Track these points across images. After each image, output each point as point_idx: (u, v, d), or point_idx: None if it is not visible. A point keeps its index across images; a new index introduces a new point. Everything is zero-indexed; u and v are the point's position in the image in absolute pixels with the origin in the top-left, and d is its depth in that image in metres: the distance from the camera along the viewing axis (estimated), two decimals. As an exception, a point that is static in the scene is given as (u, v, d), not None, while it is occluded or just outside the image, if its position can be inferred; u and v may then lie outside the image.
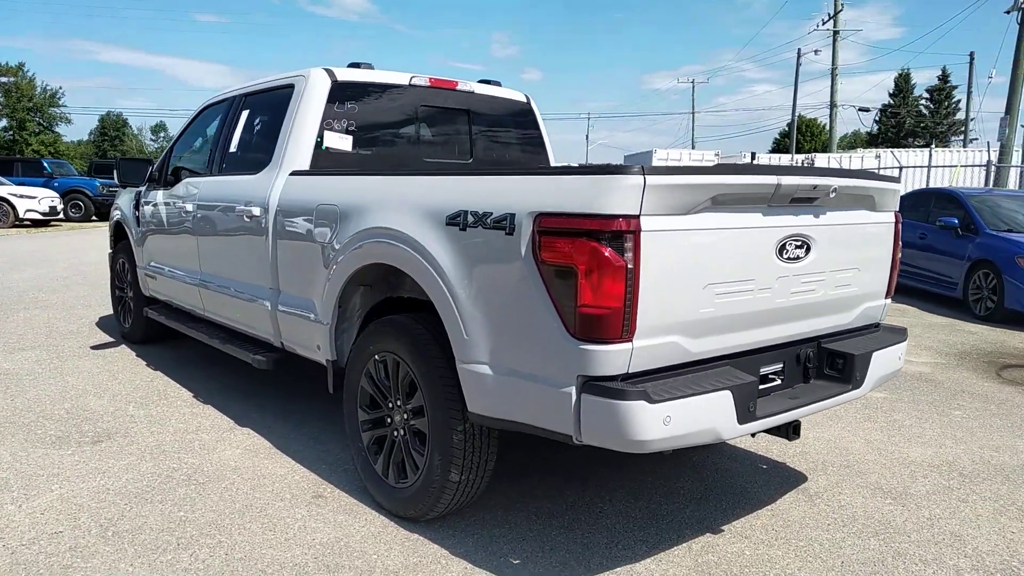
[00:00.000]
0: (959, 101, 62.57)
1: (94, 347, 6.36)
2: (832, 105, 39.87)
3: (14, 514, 3.30)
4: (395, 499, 3.32)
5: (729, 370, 2.78)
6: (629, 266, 2.41)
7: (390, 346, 3.29)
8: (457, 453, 3.01)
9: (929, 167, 18.30)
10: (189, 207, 4.96)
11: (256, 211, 4.16)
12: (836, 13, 40.69)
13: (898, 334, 3.60)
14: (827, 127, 56.24)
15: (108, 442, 4.17)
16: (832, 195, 3.03)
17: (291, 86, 4.31)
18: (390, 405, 3.38)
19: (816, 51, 41.02)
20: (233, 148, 4.78)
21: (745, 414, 2.68)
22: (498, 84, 5.06)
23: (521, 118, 5.09)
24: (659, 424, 2.44)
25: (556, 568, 2.96)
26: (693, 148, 63.27)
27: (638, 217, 2.42)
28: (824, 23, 41.80)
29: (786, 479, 3.93)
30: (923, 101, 63.16)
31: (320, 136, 4.15)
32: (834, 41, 40.45)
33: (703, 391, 2.55)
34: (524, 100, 5.10)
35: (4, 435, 4.25)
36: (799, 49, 40.78)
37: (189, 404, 4.88)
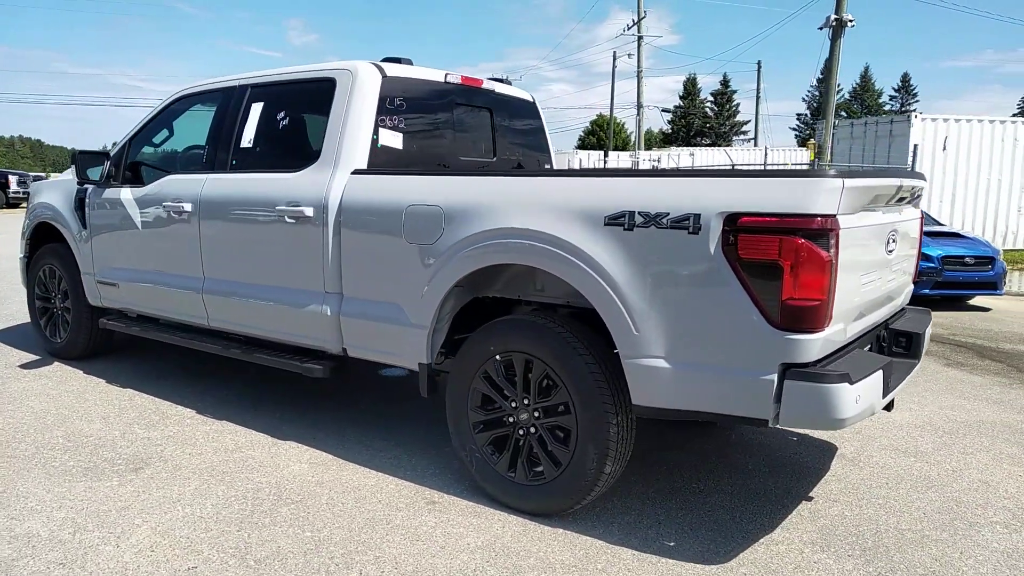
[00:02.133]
0: (739, 105, 69.48)
1: (24, 366, 5.61)
2: (639, 106, 42.69)
3: (121, 555, 2.96)
4: (528, 497, 3.35)
5: (866, 352, 3.12)
6: (832, 261, 2.66)
7: (521, 346, 3.31)
8: (612, 446, 3.12)
9: (765, 165, 20.28)
10: (187, 207, 4.55)
11: (308, 211, 3.95)
12: (640, 19, 43.59)
13: (925, 313, 4.15)
14: (625, 126, 60.59)
15: (150, 468, 3.79)
16: (914, 194, 3.47)
17: (330, 80, 4.12)
18: (513, 404, 3.40)
19: (629, 55, 43.70)
20: (247, 143, 4.46)
21: (886, 390, 3.03)
22: (509, 83, 5.12)
23: (529, 116, 5.18)
24: (853, 403, 2.72)
25: (708, 544, 3.16)
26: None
27: (836, 216, 2.67)
28: (628, 28, 44.76)
29: (820, 447, 4.37)
30: (708, 104, 69.30)
31: (376, 133, 4.02)
32: (639, 46, 43.32)
33: (872, 370, 2.87)
34: (531, 99, 5.19)
35: (16, 470, 3.72)
36: (615, 52, 43.24)
37: (202, 421, 4.50)
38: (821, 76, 18.13)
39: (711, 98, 69.21)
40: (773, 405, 2.74)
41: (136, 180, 5.14)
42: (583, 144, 61.06)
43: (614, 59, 42.79)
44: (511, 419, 3.42)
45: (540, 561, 2.98)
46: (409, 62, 4.33)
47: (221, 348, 4.57)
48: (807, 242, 2.63)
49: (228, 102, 4.61)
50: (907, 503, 3.63)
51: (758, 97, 48.64)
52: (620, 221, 2.98)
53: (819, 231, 2.64)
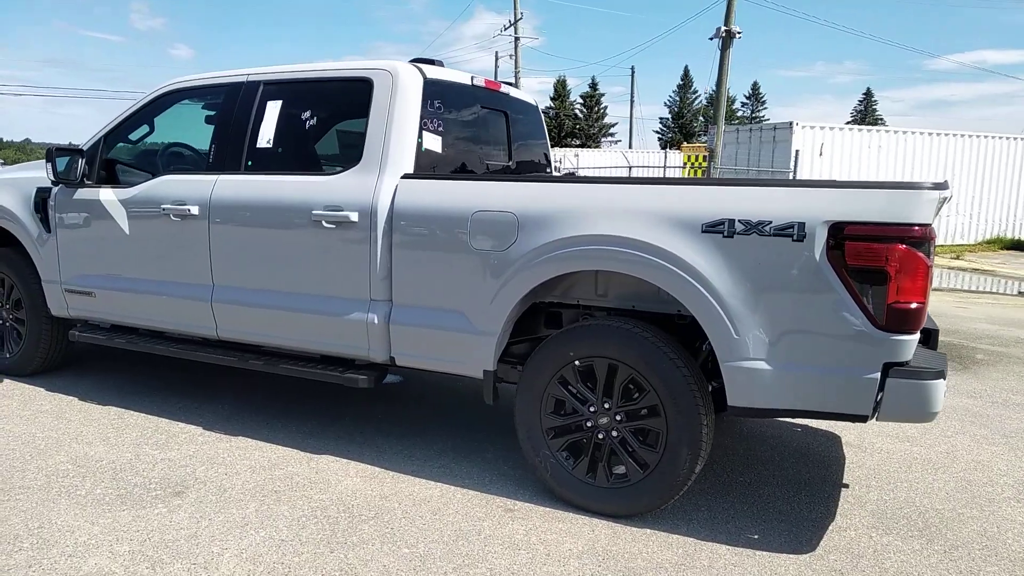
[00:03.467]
0: (607, 108, 71.95)
1: (-30, 385, 5.04)
2: None
3: (220, 586, 2.76)
4: (609, 499, 3.40)
5: (923, 349, 3.39)
6: (930, 266, 2.89)
7: (605, 351, 3.35)
8: (703, 446, 3.23)
9: (664, 167, 21.12)
10: (193, 210, 4.25)
11: (352, 216, 3.80)
12: (516, 21, 44.31)
13: None
14: None
15: (193, 491, 3.53)
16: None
17: (365, 80, 3.98)
18: (592, 409, 3.44)
19: (510, 55, 44.16)
20: (264, 144, 4.21)
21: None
22: (515, 86, 5.12)
23: (533, 120, 5.20)
24: (943, 397, 2.96)
25: (787, 535, 3.33)
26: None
27: (931, 225, 2.90)
28: (505, 29, 45.39)
29: (826, 436, 4.68)
30: (578, 105, 71.36)
31: (420, 136, 3.92)
32: (516, 47, 44.03)
33: (946, 366, 3.13)
34: (534, 103, 5.21)
35: (38, 502, 3.36)
36: (496, 52, 43.61)
37: (217, 439, 4.22)
38: (714, 88, 19.12)
39: (580, 100, 71.25)
40: (875, 402, 2.94)
41: (111, 180, 4.75)
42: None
43: (496, 60, 43.07)
44: (589, 423, 3.45)
45: (649, 562, 3.04)
46: (440, 64, 4.25)
47: (236, 360, 4.30)
48: (911, 249, 2.84)
49: (235, 99, 4.34)
50: (928, 485, 3.96)
51: (632, 100, 50.61)
52: (719, 228, 3.08)
53: (920, 239, 2.86)
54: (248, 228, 4.15)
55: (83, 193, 4.70)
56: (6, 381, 5.14)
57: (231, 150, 4.29)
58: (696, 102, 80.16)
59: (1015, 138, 20.91)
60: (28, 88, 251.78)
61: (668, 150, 41.15)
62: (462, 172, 4.25)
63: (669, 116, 74.70)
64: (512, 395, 3.67)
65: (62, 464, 3.79)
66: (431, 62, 4.18)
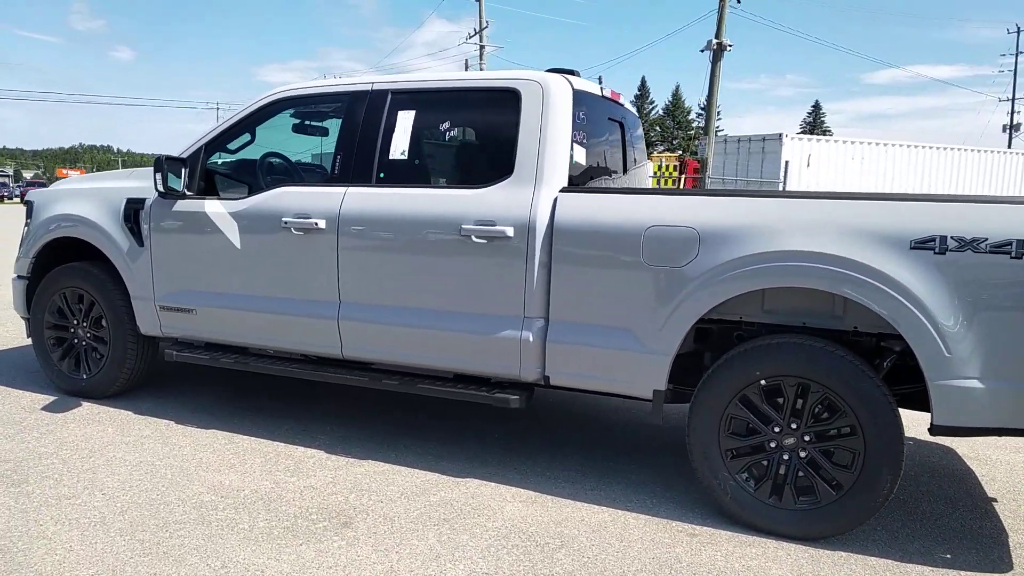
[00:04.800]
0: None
1: (48, 409, 4.73)
2: None
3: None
4: (796, 522, 3.33)
5: None
6: None
7: (795, 370, 3.28)
8: (902, 466, 3.18)
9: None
10: (320, 223, 4.06)
11: (508, 231, 3.67)
12: (481, 29, 44.49)
13: None
14: None
15: (362, 522, 3.35)
16: None
17: (512, 91, 3.86)
18: (776, 429, 3.36)
19: (481, 63, 44.24)
20: (398, 155, 4.05)
21: None
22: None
23: (639, 130, 5.12)
24: None
25: (976, 552, 3.30)
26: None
27: None
28: (470, 37, 45.54)
29: (940, 449, 4.69)
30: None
31: (571, 148, 3.82)
32: (481, 55, 44.21)
33: None
34: (636, 113, 5.14)
35: (204, 537, 3.14)
36: (467, 60, 43.51)
37: (347, 463, 4.02)
38: (705, 100, 19.35)
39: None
40: (1096, 418, 2.93)
41: (211, 191, 4.53)
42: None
43: (467, 67, 43.02)
44: (773, 444, 3.38)
45: (866, 587, 2.98)
46: (577, 74, 4.15)
47: (368, 380, 4.12)
48: None
49: (360, 108, 4.17)
50: (1012, 490, 3.99)
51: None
52: (930, 245, 3.04)
53: None
54: (383, 242, 3.99)
55: (185, 205, 4.46)
56: (85, 404, 4.84)
57: (359, 161, 4.11)
58: (653, 112, 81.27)
59: (987, 151, 21.65)
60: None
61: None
62: (666, 188, 4.15)
63: (630, 125, 75.32)
64: (631, 414, 3.57)
65: (203, 495, 3.56)
66: (571, 72, 4.08)
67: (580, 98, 3.97)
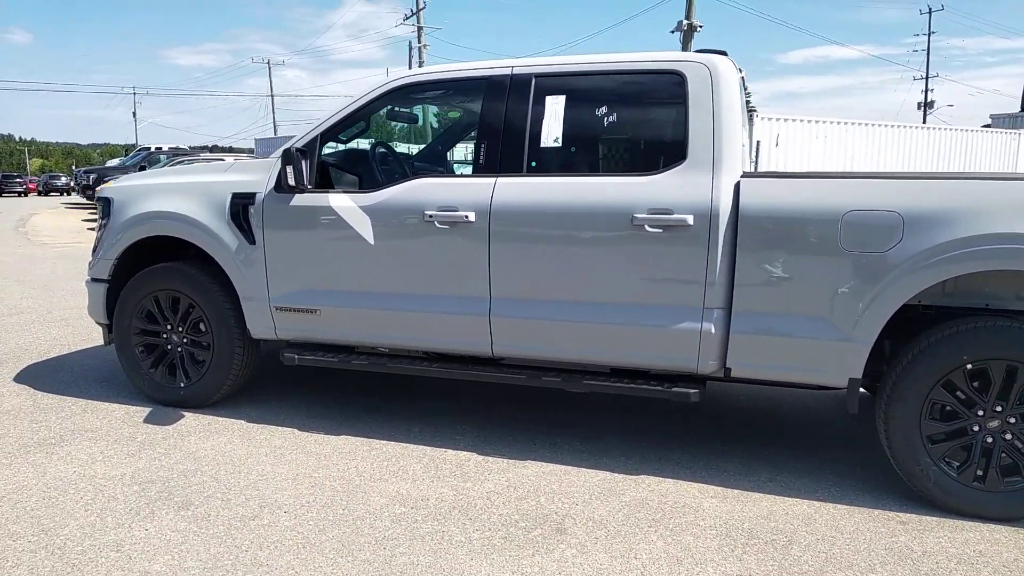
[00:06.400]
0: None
1: (150, 421, 4.40)
2: None
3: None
4: (1004, 505, 3.34)
5: None
6: None
7: (1006, 352, 3.28)
8: None
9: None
10: (469, 216, 3.86)
11: (688, 219, 3.56)
12: (419, 9, 43.93)
13: None
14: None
15: (574, 528, 3.21)
16: None
17: (675, 73, 3.74)
18: (980, 413, 3.36)
19: (420, 44, 43.54)
20: (552, 142, 3.88)
21: None
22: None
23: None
24: None
25: None
26: (275, 134, 62.11)
27: None
28: (407, 18, 44.94)
29: None
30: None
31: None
32: (419, 36, 43.64)
33: None
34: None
35: (420, 552, 2.95)
36: (410, 42, 42.78)
37: (508, 465, 3.86)
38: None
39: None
40: None
41: (326, 183, 4.27)
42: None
43: (410, 49, 42.30)
44: (976, 427, 3.38)
45: (1104, 565, 3.01)
46: (724, 54, 4.04)
47: (527, 378, 3.96)
48: None
49: (502, 94, 3.97)
50: None
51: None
52: None
53: None
54: (542, 234, 3.82)
55: (305, 199, 4.18)
56: (188, 415, 4.52)
57: (507, 150, 3.92)
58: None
59: (934, 128, 22.47)
60: None
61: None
62: (861, 172, 4.06)
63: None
64: (750, 401, 3.54)
65: (391, 507, 3.36)
66: (723, 53, 3.97)
67: (741, 81, 3.88)
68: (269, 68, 68.45)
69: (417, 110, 4.84)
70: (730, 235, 3.54)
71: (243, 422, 4.41)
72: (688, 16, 18.77)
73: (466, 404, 4.78)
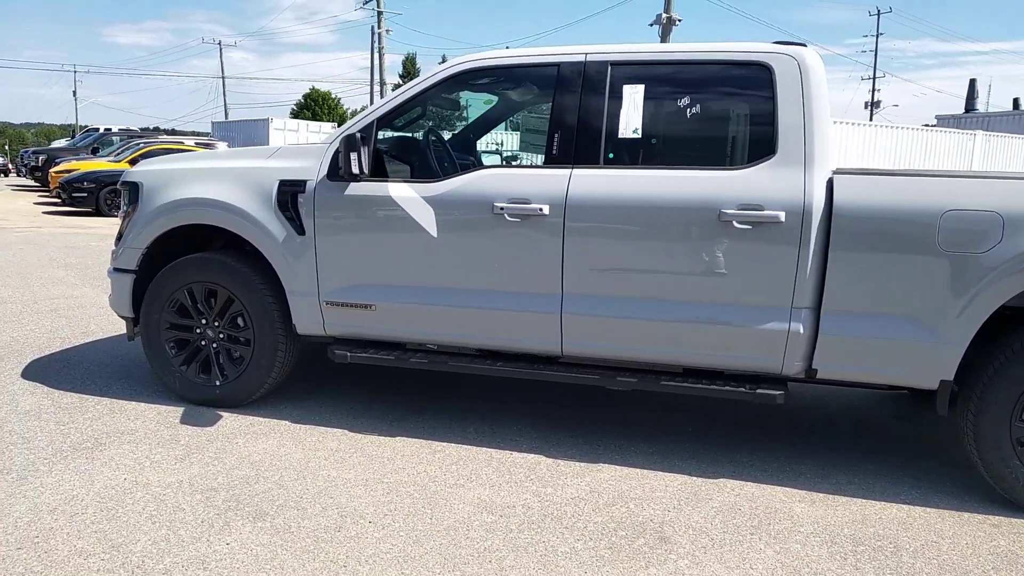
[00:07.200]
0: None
1: (186, 422, 4.13)
2: (382, 83, 42.46)
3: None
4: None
5: None
6: None
7: (1103, 355, 3.26)
8: None
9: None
10: (543, 209, 3.70)
11: (779, 215, 3.46)
12: (379, -7, 43.26)
13: None
14: (341, 102, 62.26)
15: (676, 536, 3.09)
16: None
17: (762, 65, 3.63)
18: (1070, 414, 3.35)
19: (388, 30, 42.95)
20: (631, 133, 3.73)
21: None
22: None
23: None
24: None
25: None
26: (226, 117, 60.58)
27: None
28: (366, 3, 44.30)
29: None
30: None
31: (829, 128, 3.63)
32: (379, 21, 43.02)
33: None
34: None
35: (525, 564, 2.80)
36: (372, 27, 42.06)
37: (582, 469, 3.72)
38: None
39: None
40: None
41: (380, 172, 4.06)
42: (296, 116, 57.81)
43: (373, 34, 41.63)
44: (1063, 429, 3.36)
45: None
46: (804, 45, 3.94)
47: (599, 379, 3.81)
48: None
49: (576, 82, 3.81)
50: None
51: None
52: None
53: None
54: (621, 229, 3.67)
55: (361, 188, 3.96)
56: (226, 415, 4.26)
57: (583, 140, 3.76)
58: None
59: (904, 128, 22.97)
60: None
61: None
62: (963, 171, 3.98)
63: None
64: (806, 402, 3.50)
65: (479, 515, 3.19)
66: (803, 45, 3.87)
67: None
68: (220, 49, 66.64)
69: (464, 96, 4.62)
70: (823, 233, 3.45)
71: (288, 423, 4.18)
72: (667, 10, 18.77)
73: (511, 403, 4.62)
